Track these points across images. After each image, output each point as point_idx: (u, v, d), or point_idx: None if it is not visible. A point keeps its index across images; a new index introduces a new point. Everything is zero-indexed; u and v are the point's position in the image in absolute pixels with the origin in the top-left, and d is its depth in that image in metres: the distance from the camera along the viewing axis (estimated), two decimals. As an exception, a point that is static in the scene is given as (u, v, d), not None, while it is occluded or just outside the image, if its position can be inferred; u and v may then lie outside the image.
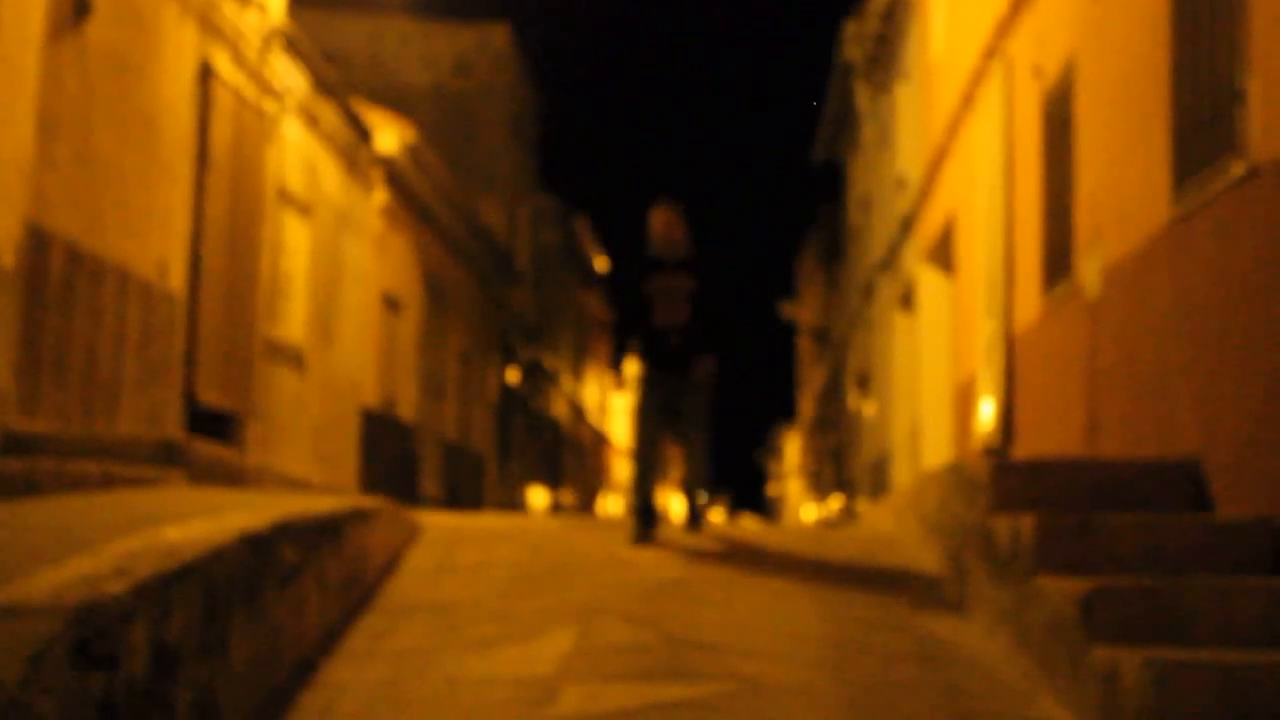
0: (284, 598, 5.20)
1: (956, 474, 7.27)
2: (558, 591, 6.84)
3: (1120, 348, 7.89)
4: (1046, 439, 9.52)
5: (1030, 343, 10.36)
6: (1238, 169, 6.13)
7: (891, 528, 9.77)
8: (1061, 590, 5.16)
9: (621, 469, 48.53)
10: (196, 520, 4.98)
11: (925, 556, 8.05)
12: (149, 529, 4.67)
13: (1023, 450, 10.32)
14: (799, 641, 5.98)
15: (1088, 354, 8.51)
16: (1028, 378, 10.45)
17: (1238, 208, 6.19)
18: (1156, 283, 7.26)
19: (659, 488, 9.42)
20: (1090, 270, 8.47)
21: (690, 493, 9.28)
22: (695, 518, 9.17)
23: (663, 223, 8.93)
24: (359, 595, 6.57)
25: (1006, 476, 6.49)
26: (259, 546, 4.84)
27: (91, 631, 3.39)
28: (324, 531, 5.86)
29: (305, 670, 5.32)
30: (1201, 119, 6.71)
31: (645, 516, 8.61)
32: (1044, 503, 6.20)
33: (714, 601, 6.73)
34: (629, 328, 9.28)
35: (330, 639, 5.80)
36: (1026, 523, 5.72)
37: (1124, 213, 7.87)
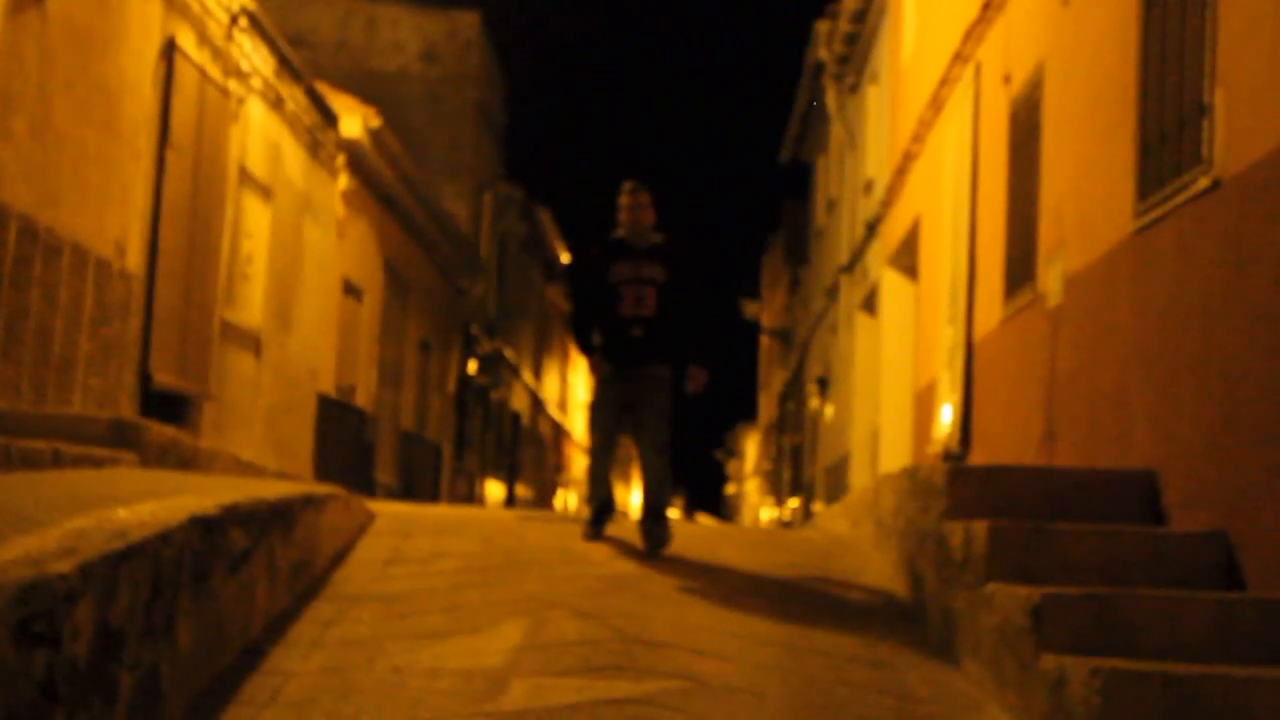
0: (232, 582, 5.15)
1: (913, 478, 7.28)
2: (509, 584, 6.81)
3: (1079, 357, 7.91)
4: (1004, 446, 9.55)
5: (991, 349, 10.39)
6: (1202, 182, 6.16)
7: (847, 530, 9.79)
8: (1013, 598, 5.16)
9: (580, 464, 48.48)
10: (146, 501, 4.92)
11: (880, 560, 8.06)
12: (97, 509, 4.60)
13: (980, 457, 10.35)
14: (749, 641, 5.97)
15: (1047, 363, 8.53)
16: (987, 384, 10.48)
17: (1200, 221, 6.21)
18: (1117, 293, 7.28)
19: (616, 483, 8.87)
20: (1052, 279, 8.49)
21: (651, 514, 8.13)
22: (656, 541, 8.03)
23: (631, 205, 8.26)
24: (309, 582, 6.52)
25: (962, 482, 6.50)
26: (208, 530, 4.79)
27: (35, 610, 3.34)
28: (275, 517, 5.81)
29: (252, 656, 5.27)
30: (1167, 131, 6.73)
31: (599, 514, 8.39)
32: (999, 510, 6.21)
33: (666, 599, 6.71)
34: (587, 316, 8.47)
35: (278, 626, 5.75)
36: (980, 529, 5.73)
37: (1087, 222, 7.90)
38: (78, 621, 3.59)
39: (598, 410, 8.48)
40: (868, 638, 6.24)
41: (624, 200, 8.29)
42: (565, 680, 5.04)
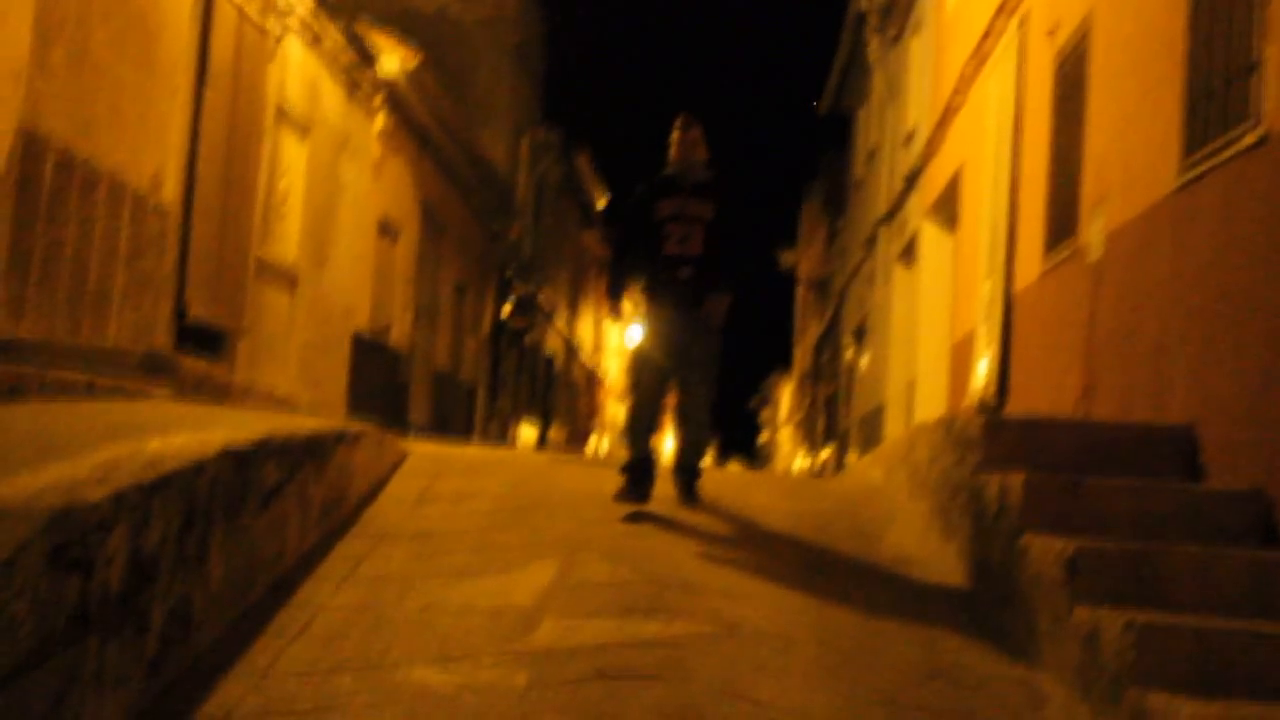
0: (264, 515, 5.16)
1: (948, 429, 7.23)
2: (540, 525, 6.81)
3: (1119, 312, 7.84)
4: (1041, 400, 9.48)
5: (1030, 302, 10.31)
6: (1249, 138, 6.06)
7: (880, 480, 9.75)
8: (1047, 550, 5.13)
9: (614, 410, 48.53)
10: (180, 433, 4.93)
11: (912, 510, 8.03)
12: (131, 439, 4.61)
13: (1017, 410, 10.27)
14: (779, 587, 5.96)
15: (1087, 317, 8.45)
16: (1025, 338, 10.40)
17: (1246, 177, 6.12)
18: (1159, 248, 7.20)
19: (657, 437, 7.94)
20: (1094, 233, 8.40)
21: (687, 464, 7.89)
22: (690, 491, 7.87)
23: (681, 139, 7.82)
24: (341, 518, 6.54)
25: (998, 434, 6.45)
26: (241, 462, 4.80)
27: (68, 537, 3.35)
28: (308, 452, 5.82)
29: (283, 590, 5.29)
30: (1215, 86, 6.63)
31: (639, 479, 7.56)
32: (1035, 462, 6.16)
33: (696, 543, 6.70)
34: (630, 256, 7.94)
35: (309, 561, 5.77)
36: (1015, 481, 5.69)
37: (1131, 177, 7.80)
38: (110, 549, 3.60)
39: (644, 356, 7.83)
40: (898, 588, 6.22)
41: (674, 135, 7.87)
42: (595, 621, 5.04)
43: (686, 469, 7.91)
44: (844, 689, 4.62)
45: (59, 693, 3.31)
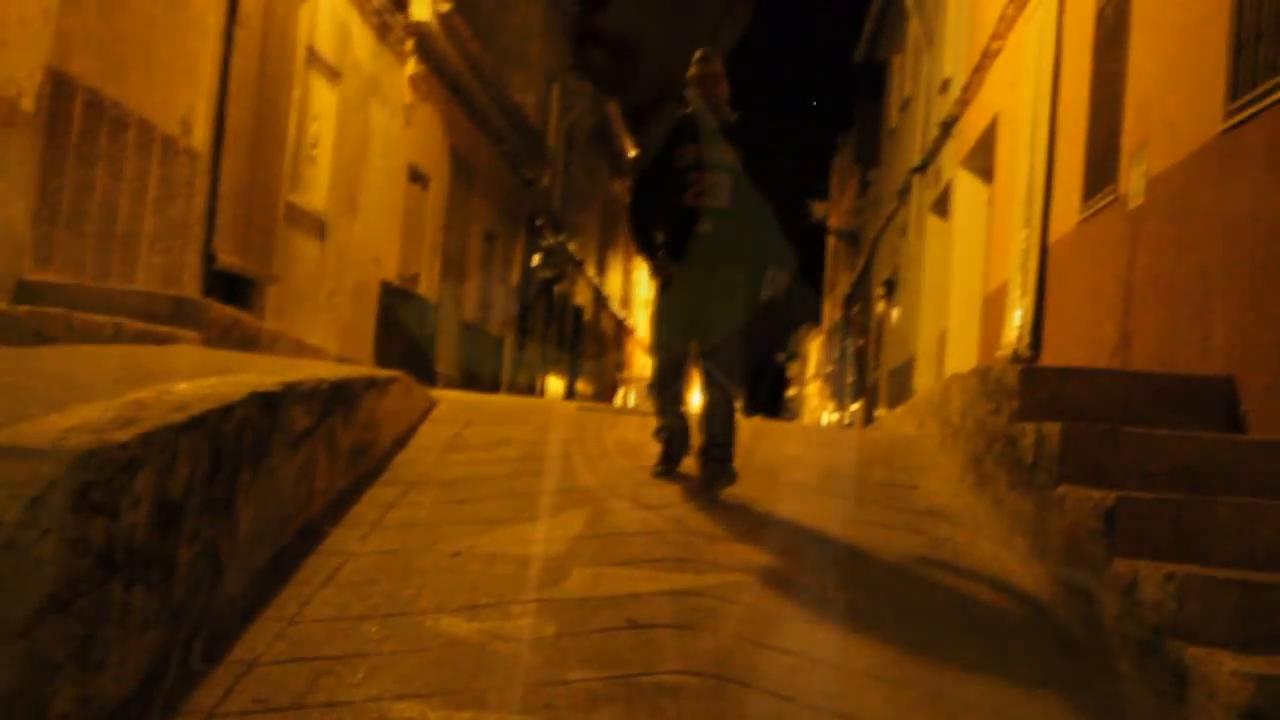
0: (293, 461, 5.11)
1: (984, 378, 7.14)
2: (570, 473, 6.76)
3: (1159, 261, 7.71)
4: (1076, 352, 9.37)
5: (1066, 252, 10.18)
6: (1298, 81, 5.94)
7: (912, 431, 9.67)
8: (1085, 500, 5.05)
9: (642, 363, 48.46)
10: (207, 377, 4.88)
11: (945, 461, 7.95)
12: (158, 382, 4.57)
13: (1051, 362, 10.17)
14: (810, 537, 5.91)
15: (1125, 266, 8.33)
16: (1061, 288, 10.28)
17: (1294, 121, 5.99)
18: (1202, 196, 7.07)
19: (686, 399, 7.09)
20: (1134, 180, 8.26)
21: (716, 439, 6.70)
22: (718, 473, 6.64)
23: (701, 75, 6.98)
24: (369, 465, 6.49)
25: (1035, 382, 6.36)
26: (269, 406, 4.74)
27: (94, 478, 3.31)
28: (336, 397, 5.77)
29: (311, 537, 5.25)
30: (1263, 28, 6.48)
31: (671, 452, 6.96)
32: (1071, 412, 6.07)
33: (727, 492, 6.64)
34: (648, 206, 7.00)
35: (338, 507, 5.73)
36: (1052, 430, 5.60)
37: (1174, 122, 7.66)
38: (137, 492, 3.55)
39: (661, 323, 6.98)
40: (932, 539, 6.15)
41: (693, 71, 7.01)
42: (626, 570, 4.98)
43: (716, 444, 6.73)
44: (878, 640, 4.56)
45: (84, 636, 3.28)
